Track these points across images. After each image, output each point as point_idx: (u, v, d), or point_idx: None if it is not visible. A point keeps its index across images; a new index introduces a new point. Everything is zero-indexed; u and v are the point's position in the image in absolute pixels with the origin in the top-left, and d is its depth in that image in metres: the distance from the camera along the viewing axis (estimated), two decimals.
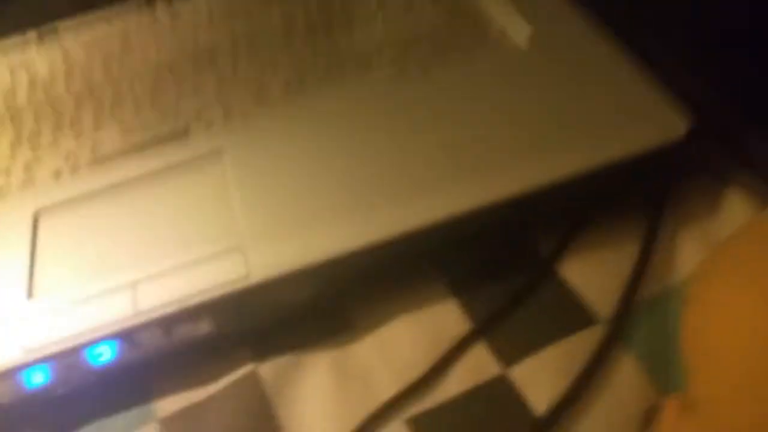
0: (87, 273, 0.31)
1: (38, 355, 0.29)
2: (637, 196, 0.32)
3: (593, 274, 0.30)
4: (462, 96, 0.35)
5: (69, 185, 0.35)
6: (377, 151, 0.33)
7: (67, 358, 0.29)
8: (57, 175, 0.36)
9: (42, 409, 0.29)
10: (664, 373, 0.26)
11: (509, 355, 0.28)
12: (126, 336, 0.29)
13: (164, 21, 0.44)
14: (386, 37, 0.39)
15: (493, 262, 0.31)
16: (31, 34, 0.45)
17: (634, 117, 0.32)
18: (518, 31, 0.37)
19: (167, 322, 0.29)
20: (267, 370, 0.29)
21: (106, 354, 0.29)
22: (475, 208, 0.30)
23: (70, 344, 0.29)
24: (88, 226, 0.33)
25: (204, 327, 0.29)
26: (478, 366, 0.28)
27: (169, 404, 0.29)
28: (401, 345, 0.29)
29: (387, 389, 0.28)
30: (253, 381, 0.29)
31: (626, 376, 0.27)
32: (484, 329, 0.29)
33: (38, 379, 0.29)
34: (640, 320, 0.28)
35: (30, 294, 0.31)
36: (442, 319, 0.30)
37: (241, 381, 0.29)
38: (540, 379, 0.27)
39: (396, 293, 0.31)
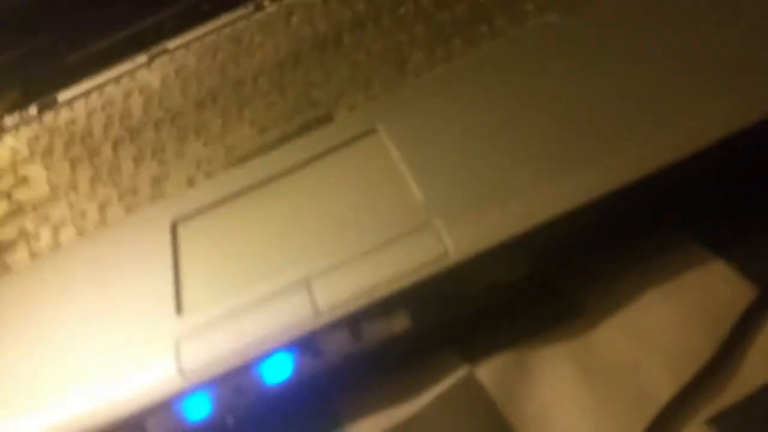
0: (243, 278, 0.26)
1: (198, 378, 0.23)
2: None
3: None
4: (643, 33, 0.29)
5: (206, 190, 0.30)
6: (555, 100, 0.27)
7: (233, 379, 0.23)
8: (190, 183, 0.32)
9: None
10: None
11: None
12: (305, 342, 0.23)
13: (276, 18, 0.40)
14: None
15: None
16: (141, 57, 0.42)
17: None
18: None
19: (355, 321, 0.23)
20: (486, 372, 0.22)
21: (282, 368, 0.23)
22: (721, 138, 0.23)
23: (236, 361, 0.23)
24: (235, 228, 0.28)
25: (400, 322, 0.23)
26: None
27: (366, 428, 0.23)
28: (663, 327, 0.22)
29: (663, 384, 0.21)
30: (472, 387, 0.22)
31: None
32: None
33: (201, 408, 0.23)
34: None
35: (179, 309, 0.25)
36: (711, 287, 0.22)
37: (457, 389, 0.22)
38: None
39: (635, 264, 0.24)
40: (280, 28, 0.39)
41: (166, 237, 0.29)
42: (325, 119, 0.32)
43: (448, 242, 0.23)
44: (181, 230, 0.29)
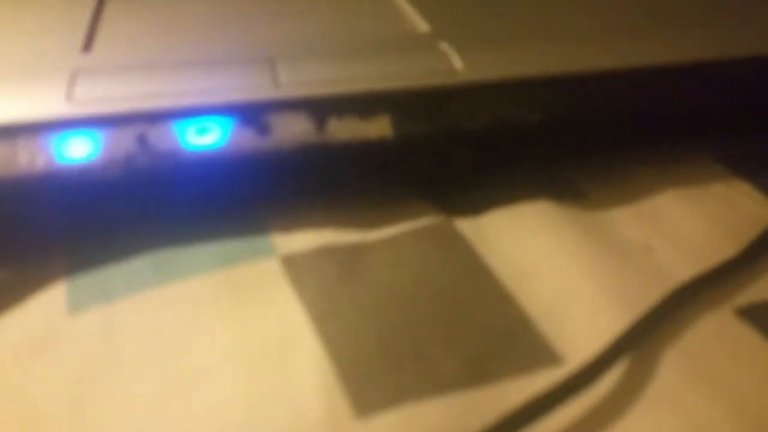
0: (186, 38, 0.20)
1: (90, 109, 0.17)
2: None
3: None
4: None
5: None
6: None
7: (140, 125, 0.17)
8: None
9: (81, 202, 0.17)
10: None
11: None
12: (252, 112, 0.17)
13: None
14: None
15: None
16: None
17: None
18: None
19: (322, 109, 0.17)
20: (466, 221, 0.18)
21: (211, 134, 0.17)
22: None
23: (149, 105, 0.17)
24: (187, 4, 0.22)
25: (379, 128, 0.18)
26: None
27: (298, 241, 0.17)
28: (681, 219, 0.19)
29: (680, 267, 0.17)
30: (447, 231, 0.17)
31: None
32: None
33: (87, 148, 0.16)
34: None
35: (88, 47, 0.19)
36: (733, 199, 0.19)
37: (426, 230, 0.17)
38: None
39: (651, 164, 0.20)
40: None
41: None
42: None
43: (457, 62, 0.19)
44: None
